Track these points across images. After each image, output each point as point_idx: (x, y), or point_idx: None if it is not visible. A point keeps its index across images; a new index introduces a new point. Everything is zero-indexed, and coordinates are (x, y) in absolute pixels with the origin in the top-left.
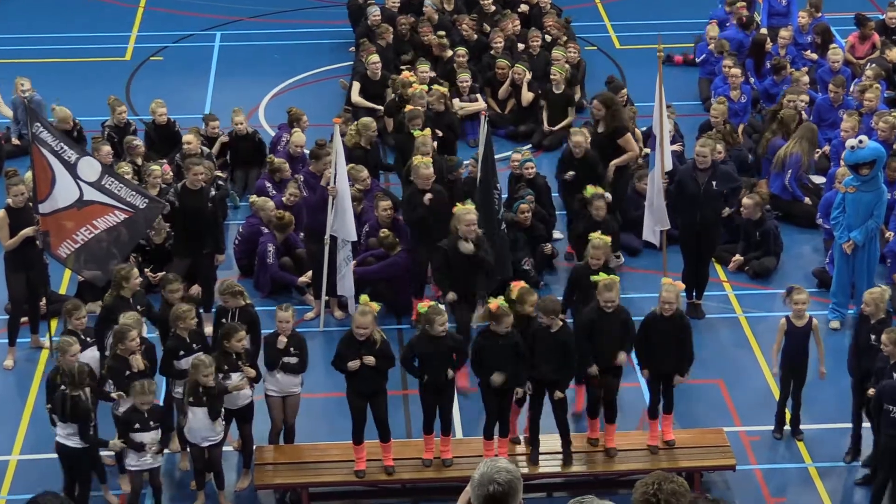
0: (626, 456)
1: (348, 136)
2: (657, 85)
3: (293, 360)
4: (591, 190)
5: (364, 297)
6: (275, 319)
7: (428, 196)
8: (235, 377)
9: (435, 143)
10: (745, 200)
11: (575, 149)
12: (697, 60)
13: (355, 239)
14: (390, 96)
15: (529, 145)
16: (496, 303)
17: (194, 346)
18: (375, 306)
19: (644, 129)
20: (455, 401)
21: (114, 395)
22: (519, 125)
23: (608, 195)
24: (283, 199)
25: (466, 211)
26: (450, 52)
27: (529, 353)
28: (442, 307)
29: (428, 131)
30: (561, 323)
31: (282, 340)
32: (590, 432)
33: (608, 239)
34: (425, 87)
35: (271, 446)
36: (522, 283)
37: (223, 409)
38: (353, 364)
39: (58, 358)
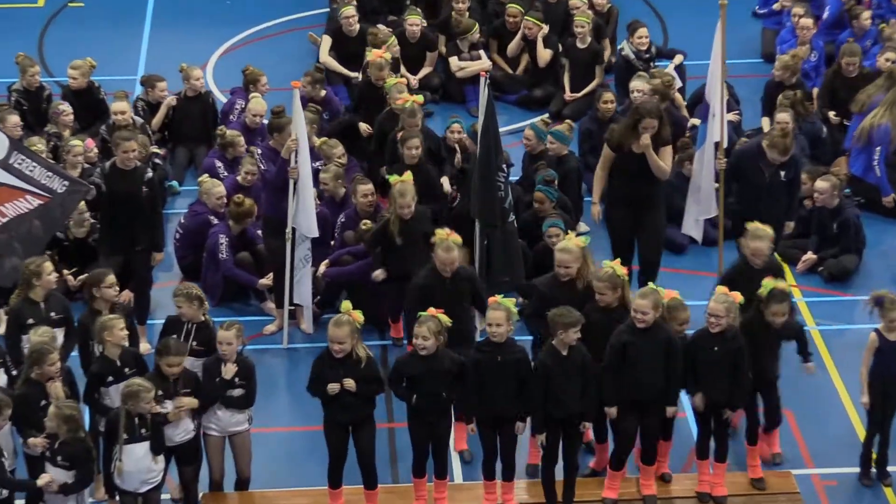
0: None
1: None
2: (717, 36)
3: (237, 392)
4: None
5: (346, 304)
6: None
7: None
8: (171, 405)
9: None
10: (820, 183)
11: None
12: (759, 11)
13: (315, 235)
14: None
15: (546, 114)
16: (495, 298)
17: (126, 370)
18: (357, 316)
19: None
20: (452, 435)
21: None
22: (533, 89)
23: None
24: (239, 178)
25: (444, 244)
26: None
27: (545, 380)
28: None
29: (409, 175)
30: (575, 341)
31: (228, 370)
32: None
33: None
34: (418, 99)
35: (224, 494)
36: None
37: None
38: (333, 387)
39: None
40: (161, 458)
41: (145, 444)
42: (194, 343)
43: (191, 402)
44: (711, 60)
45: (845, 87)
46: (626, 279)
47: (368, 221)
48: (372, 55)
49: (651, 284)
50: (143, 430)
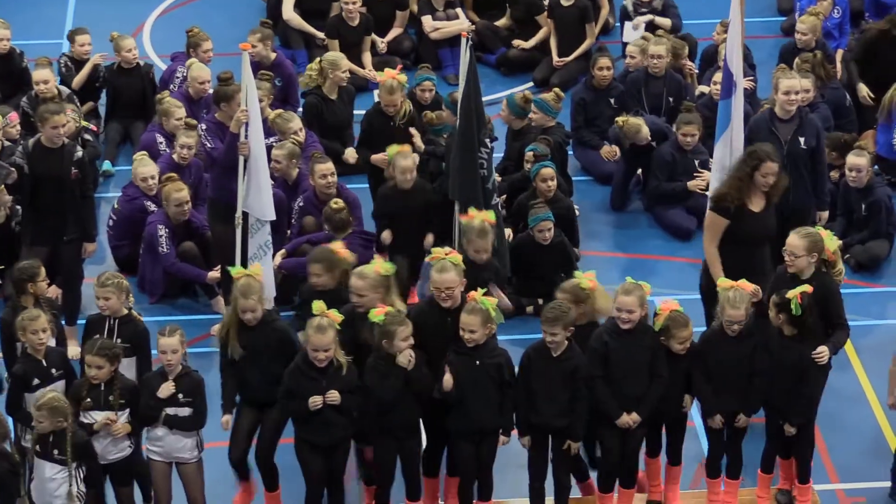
0: None
1: (306, 77)
2: None
3: (185, 411)
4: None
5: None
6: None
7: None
8: (101, 416)
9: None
10: (856, 159)
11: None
12: None
13: (272, 218)
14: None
15: (528, 88)
16: (472, 295)
17: (53, 371)
18: (336, 316)
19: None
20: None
21: None
22: (512, 47)
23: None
24: (174, 155)
25: (439, 264)
26: None
27: (524, 387)
28: (404, 316)
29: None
30: (567, 341)
31: (164, 388)
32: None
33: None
34: (401, 78)
35: None
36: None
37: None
38: (315, 401)
39: None
40: (76, 489)
41: (56, 467)
42: (119, 341)
43: (123, 426)
44: (731, 20)
45: (892, 50)
46: (592, 293)
47: (340, 201)
48: (384, 74)
49: (630, 279)
50: (55, 451)
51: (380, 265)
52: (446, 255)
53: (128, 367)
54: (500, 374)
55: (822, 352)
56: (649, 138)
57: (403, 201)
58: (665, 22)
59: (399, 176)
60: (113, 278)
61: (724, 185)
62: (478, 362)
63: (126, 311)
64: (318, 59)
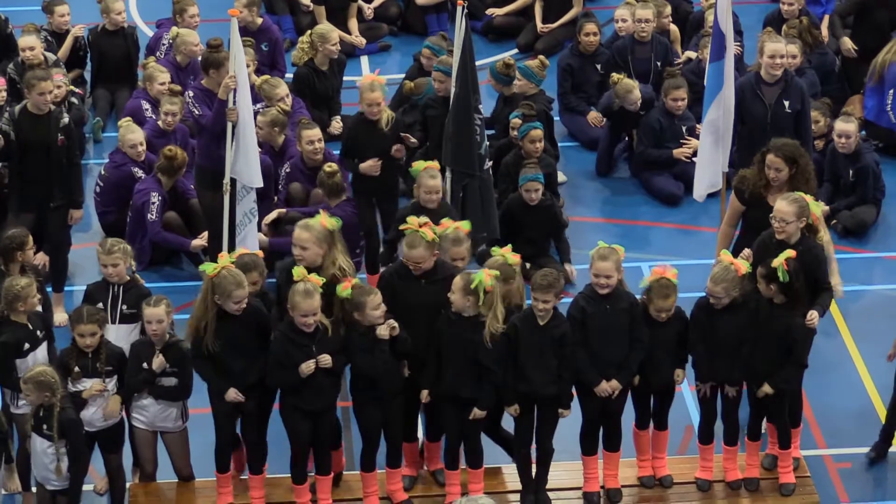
0: (667, 494)
1: (298, 51)
2: None
3: (171, 381)
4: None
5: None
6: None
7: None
8: (91, 384)
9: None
10: (844, 125)
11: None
12: None
13: (260, 185)
14: None
15: (515, 50)
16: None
17: (38, 333)
18: (318, 279)
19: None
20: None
21: None
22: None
23: None
24: (160, 121)
25: (410, 238)
26: None
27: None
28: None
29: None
30: (547, 308)
31: (158, 362)
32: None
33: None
34: (380, 79)
35: (155, 484)
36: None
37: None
38: (308, 366)
39: None
40: (65, 465)
41: (45, 442)
42: (124, 307)
43: (115, 401)
44: None
45: (886, 6)
46: (517, 269)
47: (334, 164)
48: (363, 78)
49: (602, 243)
50: (44, 426)
51: (325, 219)
52: (420, 226)
53: (132, 333)
54: (478, 349)
55: (813, 316)
56: (640, 103)
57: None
58: None
59: (424, 195)
60: (118, 243)
61: (748, 169)
62: (459, 333)
63: (129, 278)
64: (308, 32)
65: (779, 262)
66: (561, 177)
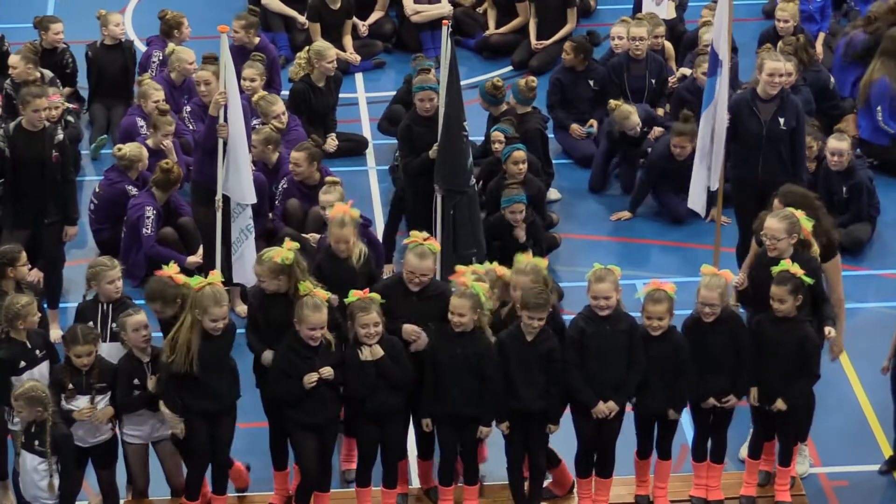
0: None
1: (295, 67)
2: None
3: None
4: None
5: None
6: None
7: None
8: (83, 401)
9: None
10: (837, 143)
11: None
12: None
13: (253, 201)
14: None
15: (509, 67)
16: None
17: (37, 352)
18: (324, 293)
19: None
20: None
21: None
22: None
23: None
24: (149, 141)
25: (417, 249)
26: None
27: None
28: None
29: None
30: (539, 326)
31: (153, 384)
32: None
33: None
34: (353, 213)
35: (149, 501)
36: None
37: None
38: (311, 378)
39: None
40: (57, 482)
41: (37, 458)
42: (114, 325)
43: (106, 411)
44: (719, 1)
45: None
46: (546, 272)
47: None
48: (334, 209)
49: (598, 265)
50: (36, 443)
51: (278, 253)
52: (424, 240)
53: (122, 351)
54: (480, 364)
55: (831, 331)
56: (639, 128)
57: None
58: None
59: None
60: (114, 264)
61: (767, 211)
62: (459, 350)
63: (117, 295)
64: (305, 48)
65: (796, 269)
66: (555, 194)
